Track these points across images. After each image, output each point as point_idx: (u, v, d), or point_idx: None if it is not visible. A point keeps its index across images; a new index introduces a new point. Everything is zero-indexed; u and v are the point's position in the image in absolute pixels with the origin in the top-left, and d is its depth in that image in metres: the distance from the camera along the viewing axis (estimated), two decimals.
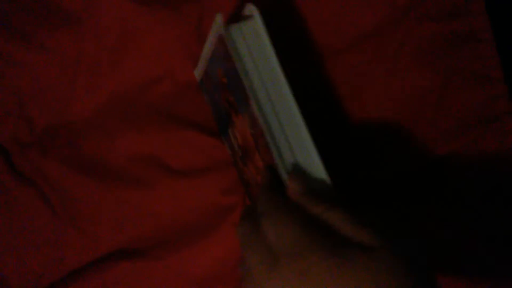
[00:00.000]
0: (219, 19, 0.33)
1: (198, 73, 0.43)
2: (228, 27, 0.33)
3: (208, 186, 0.43)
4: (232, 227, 0.42)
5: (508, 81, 0.41)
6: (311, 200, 0.29)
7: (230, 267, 0.42)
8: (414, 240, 0.32)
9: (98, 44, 0.43)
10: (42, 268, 0.42)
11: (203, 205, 0.43)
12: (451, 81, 0.42)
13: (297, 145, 0.32)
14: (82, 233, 0.42)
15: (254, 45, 0.33)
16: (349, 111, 0.43)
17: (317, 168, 0.32)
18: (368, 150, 0.42)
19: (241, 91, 0.33)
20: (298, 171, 0.31)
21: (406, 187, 0.41)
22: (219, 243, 0.42)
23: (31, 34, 0.43)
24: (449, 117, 0.42)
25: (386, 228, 0.27)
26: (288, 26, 0.43)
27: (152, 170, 0.43)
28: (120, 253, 0.42)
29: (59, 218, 0.42)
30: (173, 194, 0.43)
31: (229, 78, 0.36)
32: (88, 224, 0.42)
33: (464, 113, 0.42)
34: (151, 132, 0.43)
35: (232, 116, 0.38)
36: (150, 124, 0.43)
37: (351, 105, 0.43)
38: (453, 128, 0.42)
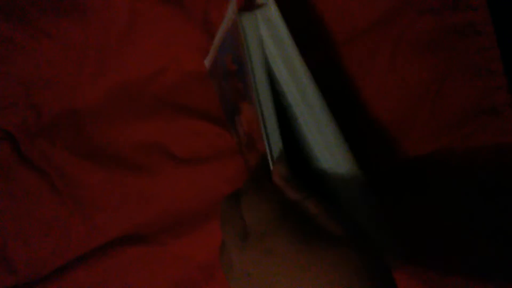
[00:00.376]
0: (232, 5, 0.34)
1: (208, 62, 0.43)
2: (241, 14, 0.33)
3: (212, 174, 0.43)
4: None
5: (508, 73, 0.41)
6: (292, 187, 0.30)
7: None
8: (381, 239, 0.33)
9: (105, 33, 0.43)
10: (48, 254, 0.43)
11: (206, 192, 0.43)
12: (451, 74, 0.41)
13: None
14: (88, 219, 0.43)
15: (268, 33, 0.34)
16: (346, 104, 0.42)
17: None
18: (364, 144, 0.42)
19: (248, 77, 0.34)
20: (283, 158, 0.32)
21: (403, 181, 0.41)
22: None
23: (38, 23, 0.43)
24: (448, 109, 0.41)
25: (355, 226, 0.28)
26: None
27: (156, 157, 0.44)
28: (125, 239, 0.43)
29: (65, 204, 0.43)
30: (177, 182, 0.43)
31: (239, 65, 0.36)
32: (94, 211, 0.43)
33: (463, 105, 0.41)
34: (156, 121, 0.44)
35: (239, 102, 0.38)
36: (155, 112, 0.44)
37: (348, 98, 0.42)
38: (452, 120, 0.41)
